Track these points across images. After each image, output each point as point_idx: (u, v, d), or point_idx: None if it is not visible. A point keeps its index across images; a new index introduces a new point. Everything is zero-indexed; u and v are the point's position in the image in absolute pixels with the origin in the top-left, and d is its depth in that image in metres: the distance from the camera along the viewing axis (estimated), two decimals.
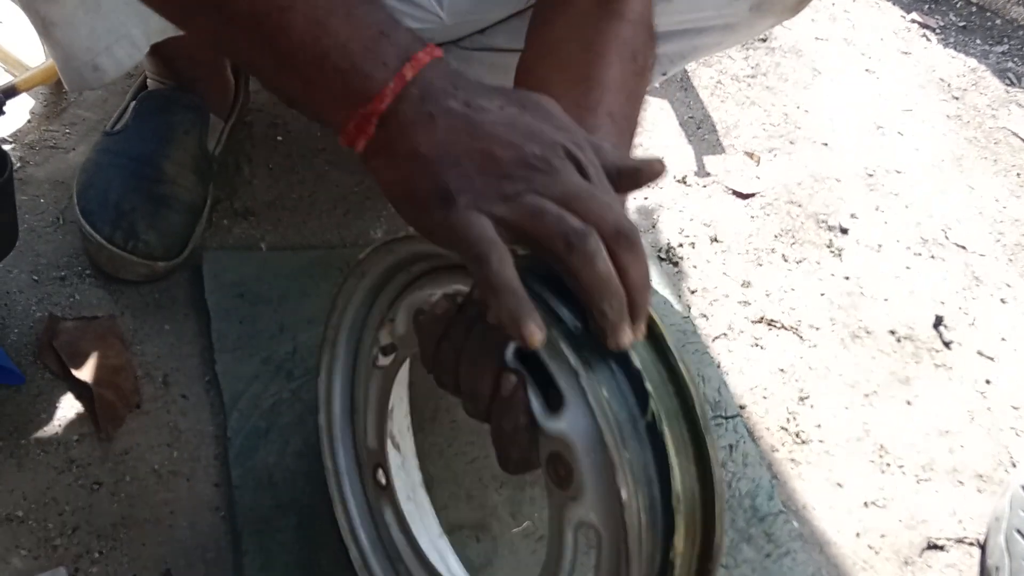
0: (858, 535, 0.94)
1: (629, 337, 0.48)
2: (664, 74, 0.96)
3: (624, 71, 0.67)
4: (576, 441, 0.49)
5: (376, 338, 0.67)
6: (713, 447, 0.50)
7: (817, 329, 1.14)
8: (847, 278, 1.23)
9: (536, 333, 0.45)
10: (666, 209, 1.23)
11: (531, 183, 0.47)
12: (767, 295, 1.17)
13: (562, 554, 0.54)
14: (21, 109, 0.99)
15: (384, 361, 0.68)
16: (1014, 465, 1.06)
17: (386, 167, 0.50)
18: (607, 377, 0.49)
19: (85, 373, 0.78)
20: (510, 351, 0.51)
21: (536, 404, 0.51)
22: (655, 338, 0.52)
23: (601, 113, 0.64)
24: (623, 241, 0.47)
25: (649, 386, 0.49)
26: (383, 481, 0.71)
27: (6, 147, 0.94)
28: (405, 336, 0.64)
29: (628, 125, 0.67)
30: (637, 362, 0.49)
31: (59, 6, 0.71)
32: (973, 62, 1.80)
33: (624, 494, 0.47)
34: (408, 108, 0.48)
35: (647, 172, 0.53)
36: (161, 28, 0.79)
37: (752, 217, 1.28)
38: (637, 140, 0.69)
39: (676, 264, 1.16)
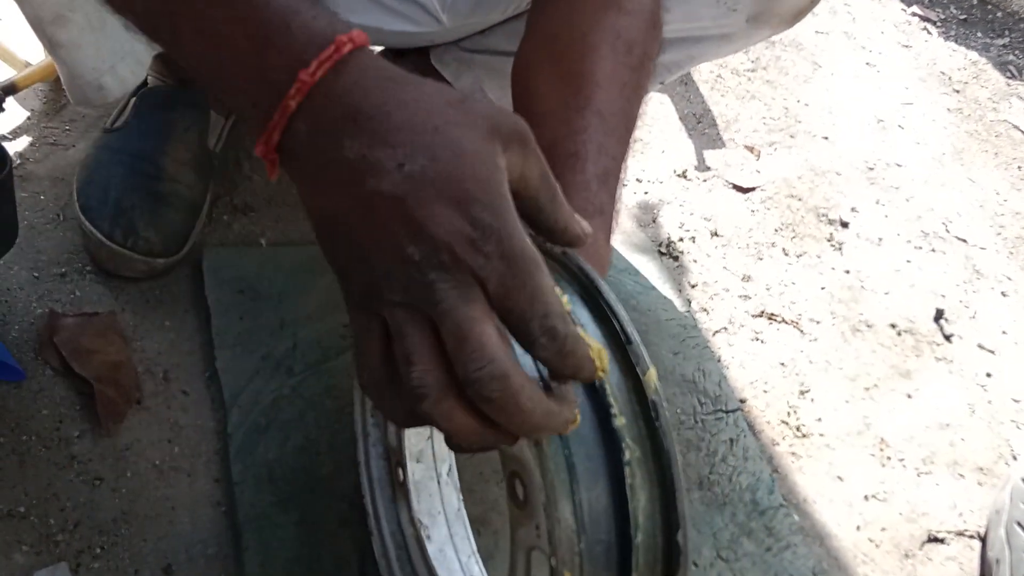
0: (858, 528, 0.94)
1: None
2: (661, 83, 0.96)
3: (618, 65, 0.66)
4: (531, 461, 0.46)
5: None
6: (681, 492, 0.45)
7: (818, 323, 1.14)
8: (847, 272, 1.23)
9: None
10: (666, 204, 1.23)
11: (401, 294, 0.39)
12: (767, 289, 1.17)
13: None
14: (21, 106, 0.99)
15: None
16: (1015, 458, 1.06)
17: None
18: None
19: (86, 369, 0.78)
20: None
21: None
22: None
23: (590, 112, 0.63)
24: (478, 395, 0.38)
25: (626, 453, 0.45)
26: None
27: (6, 144, 0.94)
28: None
29: (621, 121, 0.66)
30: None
31: (66, 29, 0.71)
32: (974, 55, 1.80)
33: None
34: (298, 148, 0.43)
35: (569, 236, 0.47)
36: None
37: (752, 211, 1.28)
38: (637, 134, 0.69)
39: (676, 259, 1.16)
